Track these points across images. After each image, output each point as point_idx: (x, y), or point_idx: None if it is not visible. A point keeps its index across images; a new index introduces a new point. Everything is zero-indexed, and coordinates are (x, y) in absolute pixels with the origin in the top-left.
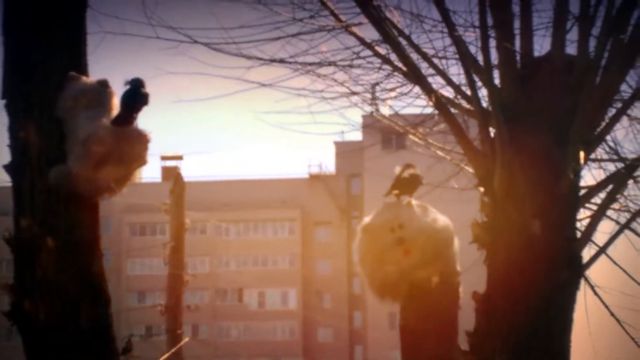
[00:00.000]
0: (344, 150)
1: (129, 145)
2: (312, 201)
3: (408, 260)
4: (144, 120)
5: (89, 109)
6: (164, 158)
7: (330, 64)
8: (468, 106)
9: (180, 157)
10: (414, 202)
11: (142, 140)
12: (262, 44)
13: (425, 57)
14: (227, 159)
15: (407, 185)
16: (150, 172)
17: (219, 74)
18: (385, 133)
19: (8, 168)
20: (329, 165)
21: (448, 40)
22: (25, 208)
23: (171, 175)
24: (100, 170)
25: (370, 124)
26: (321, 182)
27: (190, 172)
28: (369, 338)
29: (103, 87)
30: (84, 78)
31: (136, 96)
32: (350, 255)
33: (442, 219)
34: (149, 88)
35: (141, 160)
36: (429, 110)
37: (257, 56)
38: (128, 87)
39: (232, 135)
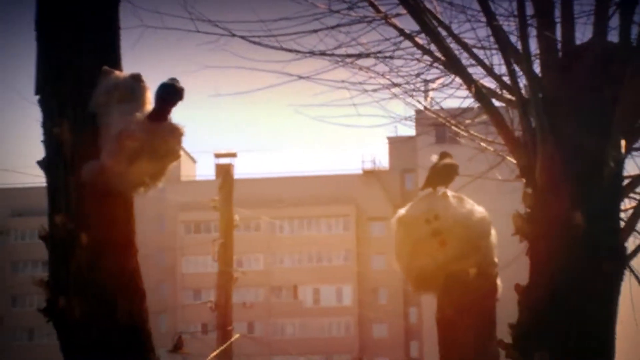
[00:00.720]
0: (397, 145)
1: (162, 139)
2: (366, 197)
3: (444, 252)
4: (194, 118)
5: (122, 104)
6: (217, 155)
7: (369, 55)
8: (509, 97)
9: (234, 155)
10: (449, 193)
11: (175, 134)
12: (301, 36)
13: (465, 47)
14: (280, 156)
15: (442, 175)
16: (204, 170)
17: (259, 67)
18: (439, 127)
19: (42, 164)
20: (383, 161)
21: (488, 30)
22: (59, 205)
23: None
24: (134, 166)
25: (422, 118)
26: (375, 177)
27: (244, 169)
28: (424, 334)
29: (136, 81)
30: (117, 72)
31: (171, 90)
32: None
33: (478, 210)
34: (189, 82)
35: (174, 155)
36: (470, 101)
37: (296, 49)
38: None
39: (285, 132)
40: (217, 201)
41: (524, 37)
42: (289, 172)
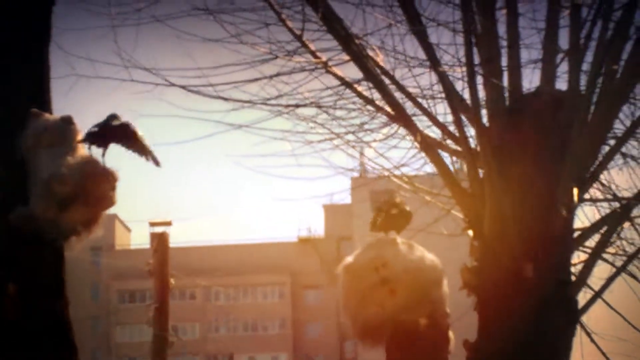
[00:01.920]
0: (332, 212)
1: (95, 184)
2: (302, 265)
3: (393, 301)
4: (128, 184)
5: (51, 147)
6: (152, 224)
7: (311, 105)
8: (455, 147)
9: (169, 223)
10: (399, 239)
11: (109, 178)
12: (241, 85)
13: (410, 96)
14: (215, 224)
15: (395, 220)
16: (139, 239)
17: (197, 116)
18: (375, 193)
19: None
20: (319, 228)
21: (434, 79)
22: None
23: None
24: (65, 212)
25: (358, 185)
26: (310, 245)
27: (179, 237)
28: None
29: (67, 123)
30: (47, 115)
31: (112, 122)
32: (341, 318)
33: (429, 257)
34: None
35: (109, 201)
36: (415, 151)
37: (236, 98)
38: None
39: (221, 200)
40: (152, 265)
41: (472, 85)
42: (224, 240)
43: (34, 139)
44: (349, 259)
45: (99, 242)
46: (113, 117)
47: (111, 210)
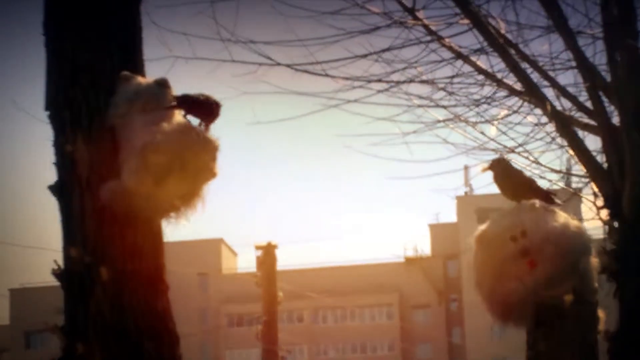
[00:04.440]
0: (438, 231)
1: (193, 154)
2: (409, 285)
3: (534, 275)
4: (233, 210)
5: (145, 114)
6: (257, 247)
7: (425, 81)
8: (588, 120)
9: (274, 246)
10: (538, 204)
11: (209, 147)
12: (350, 62)
13: (535, 65)
14: (321, 247)
15: (529, 186)
16: (245, 263)
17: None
18: (481, 211)
19: (54, 188)
20: (425, 248)
21: (555, 48)
22: (75, 235)
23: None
24: (161, 186)
25: (464, 203)
26: (417, 265)
27: (285, 260)
28: None
29: (162, 87)
30: (139, 78)
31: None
32: (451, 338)
33: (574, 224)
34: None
35: (209, 172)
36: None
37: (344, 76)
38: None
39: (325, 223)
40: (259, 277)
41: (611, 47)
42: (330, 262)
43: (125, 105)
44: (483, 228)
45: (206, 268)
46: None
47: (217, 235)
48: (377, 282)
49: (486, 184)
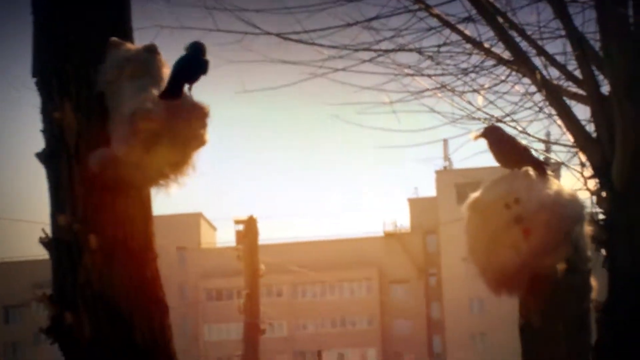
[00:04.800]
0: (418, 206)
1: (183, 121)
2: (388, 260)
3: (528, 242)
4: (212, 183)
5: (134, 80)
6: (237, 222)
7: (413, 50)
8: (577, 90)
9: (254, 220)
10: (531, 171)
11: (199, 114)
12: (337, 30)
13: (524, 34)
14: (300, 221)
15: (522, 152)
16: (224, 237)
17: (290, 61)
18: (460, 186)
19: (42, 156)
20: (404, 222)
21: (544, 17)
22: (64, 202)
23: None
24: (151, 153)
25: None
26: (396, 240)
27: (264, 234)
28: None
29: (151, 53)
30: (128, 44)
31: (192, 63)
32: (429, 313)
33: (568, 191)
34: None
35: (199, 140)
36: (525, 99)
37: (332, 44)
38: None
39: (304, 198)
40: (241, 250)
41: (602, 13)
42: (310, 237)
43: (115, 71)
44: (475, 195)
45: (185, 242)
46: (201, 47)
47: (196, 209)
48: (356, 256)
49: (466, 157)
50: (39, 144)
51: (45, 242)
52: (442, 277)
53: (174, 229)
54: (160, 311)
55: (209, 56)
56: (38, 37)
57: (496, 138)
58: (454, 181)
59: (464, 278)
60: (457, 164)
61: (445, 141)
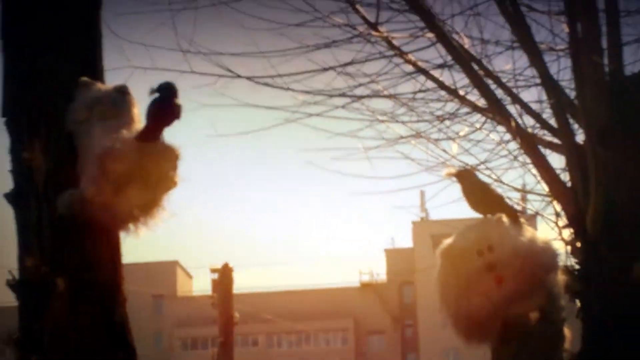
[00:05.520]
0: (394, 257)
1: (154, 162)
2: (364, 310)
3: (500, 290)
4: (189, 231)
5: (104, 120)
6: (213, 271)
7: (388, 96)
8: (552, 139)
9: (230, 269)
10: (504, 218)
11: (170, 156)
12: (311, 75)
13: (499, 82)
14: (277, 270)
15: (494, 198)
16: (200, 285)
17: (265, 106)
18: (436, 237)
19: (10, 197)
20: (380, 273)
21: (519, 64)
22: (31, 244)
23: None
24: (121, 194)
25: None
26: (372, 290)
27: (240, 284)
28: None
29: (121, 94)
30: (98, 84)
31: (166, 106)
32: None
33: (542, 239)
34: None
35: (170, 182)
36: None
37: (306, 90)
38: (155, 95)
39: (280, 246)
40: (215, 298)
41: (577, 62)
42: (285, 286)
43: (84, 112)
44: (448, 242)
45: (161, 290)
46: (172, 88)
47: (172, 257)
48: (332, 306)
49: (442, 204)
50: (8, 184)
51: (12, 285)
52: (419, 327)
53: (150, 277)
54: (129, 357)
55: (182, 98)
56: (7, 75)
57: (470, 183)
58: (431, 232)
59: (440, 328)
60: (434, 213)
61: (422, 192)
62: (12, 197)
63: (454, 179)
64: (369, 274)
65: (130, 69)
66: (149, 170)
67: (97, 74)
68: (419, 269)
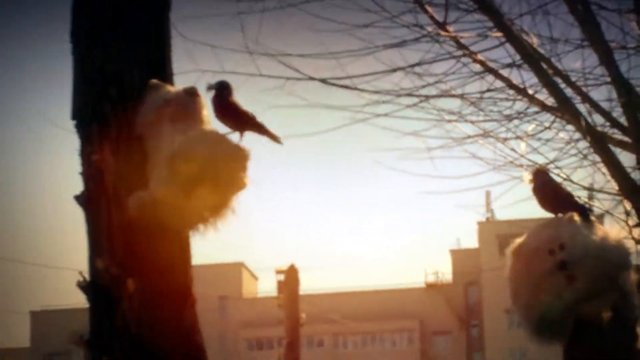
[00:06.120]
0: (459, 257)
1: (224, 164)
2: (430, 310)
3: (572, 289)
4: (255, 234)
5: (174, 123)
6: (279, 272)
7: (456, 95)
8: (622, 137)
9: (295, 270)
10: (576, 217)
11: (239, 157)
12: (380, 76)
13: (568, 80)
14: (342, 271)
15: (566, 198)
16: (265, 286)
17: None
18: (502, 237)
19: (80, 199)
20: (446, 273)
21: (589, 63)
22: (101, 246)
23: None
24: (191, 196)
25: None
26: (438, 290)
27: (305, 284)
28: None
29: (191, 96)
30: (168, 87)
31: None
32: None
33: (615, 237)
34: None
35: (239, 183)
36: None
37: (374, 90)
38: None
39: (346, 245)
40: (282, 299)
41: None
42: (351, 287)
43: (154, 115)
44: (519, 241)
45: (227, 292)
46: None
47: (238, 259)
48: (398, 307)
49: (509, 204)
50: (78, 186)
51: (83, 286)
52: (484, 327)
53: (215, 278)
54: (198, 357)
55: (251, 100)
56: (77, 80)
57: (541, 181)
58: (496, 232)
59: (506, 329)
60: (499, 214)
61: (488, 192)
62: (83, 199)
63: (530, 180)
64: (435, 274)
65: (199, 73)
66: (219, 171)
67: (166, 77)
68: (484, 269)
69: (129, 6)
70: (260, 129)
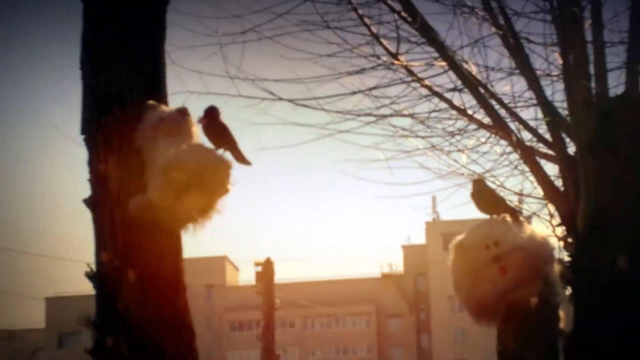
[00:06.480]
0: (410, 252)
1: (210, 172)
2: (385, 297)
3: (505, 279)
4: (236, 229)
5: (168, 137)
6: (257, 264)
7: (407, 115)
8: (547, 150)
9: (271, 263)
10: (508, 218)
11: (223, 167)
12: (342, 98)
13: (502, 102)
14: (310, 263)
15: (498, 202)
16: (246, 276)
17: (302, 123)
18: (447, 235)
19: (88, 202)
20: (398, 265)
21: (518, 87)
22: (106, 241)
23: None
24: (181, 199)
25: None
26: (392, 280)
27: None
28: None
29: (182, 115)
30: (162, 106)
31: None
32: (420, 342)
33: (540, 235)
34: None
35: (224, 189)
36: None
37: (337, 110)
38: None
39: (317, 242)
40: (260, 287)
41: (570, 86)
42: (319, 277)
43: (151, 130)
44: (460, 238)
45: (212, 281)
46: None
47: (222, 253)
48: (357, 294)
49: (452, 207)
50: (86, 191)
51: (91, 276)
52: (431, 311)
53: (202, 269)
54: (188, 336)
55: (231, 118)
56: (86, 99)
57: (479, 188)
58: (441, 231)
59: (450, 313)
60: (444, 215)
61: (434, 197)
62: (90, 202)
63: (470, 184)
64: (389, 266)
65: (187, 94)
66: (206, 179)
67: (161, 98)
68: (431, 262)
69: (129, 38)
70: (233, 151)
